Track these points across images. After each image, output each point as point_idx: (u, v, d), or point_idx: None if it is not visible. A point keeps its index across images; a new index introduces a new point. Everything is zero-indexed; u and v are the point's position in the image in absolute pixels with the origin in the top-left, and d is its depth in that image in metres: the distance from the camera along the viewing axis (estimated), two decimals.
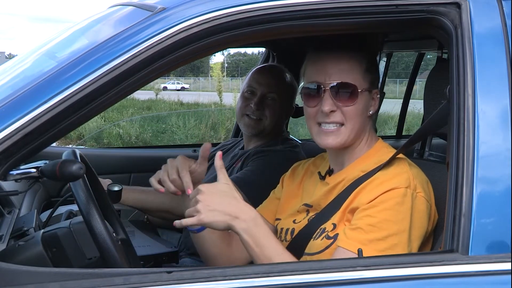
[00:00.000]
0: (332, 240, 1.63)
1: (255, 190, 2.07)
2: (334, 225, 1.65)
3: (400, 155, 1.71)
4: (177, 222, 1.57)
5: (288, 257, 1.56)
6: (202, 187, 1.58)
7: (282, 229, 1.83)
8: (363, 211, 1.59)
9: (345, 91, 1.69)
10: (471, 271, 1.37)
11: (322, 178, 1.82)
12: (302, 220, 1.78)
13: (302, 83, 1.80)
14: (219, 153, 1.66)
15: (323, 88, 1.69)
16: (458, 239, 1.38)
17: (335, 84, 1.69)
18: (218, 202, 1.56)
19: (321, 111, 1.69)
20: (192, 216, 1.55)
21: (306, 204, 1.80)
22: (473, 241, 1.37)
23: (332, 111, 1.69)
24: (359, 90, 1.69)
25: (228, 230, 1.59)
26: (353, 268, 1.36)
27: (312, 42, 1.81)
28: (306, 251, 1.70)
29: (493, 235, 1.39)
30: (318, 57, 1.74)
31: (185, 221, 1.56)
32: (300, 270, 1.36)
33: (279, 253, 1.56)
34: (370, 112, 1.76)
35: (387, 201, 1.58)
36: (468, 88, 1.44)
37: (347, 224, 1.62)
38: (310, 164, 1.95)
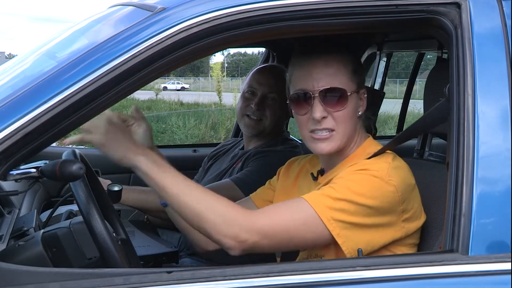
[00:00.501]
0: None
1: (255, 191, 2.07)
2: None
3: (389, 152, 1.71)
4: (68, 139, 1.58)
5: (187, 183, 1.55)
6: (117, 124, 1.58)
7: None
8: (332, 180, 1.64)
9: (334, 96, 1.68)
10: (471, 271, 1.37)
11: (315, 178, 1.83)
12: None
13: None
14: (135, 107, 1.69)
15: (312, 96, 1.68)
16: (458, 239, 1.38)
17: (323, 90, 1.67)
18: (123, 137, 1.56)
19: (312, 118, 1.68)
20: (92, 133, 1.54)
21: None
22: (473, 241, 1.37)
23: (323, 118, 1.68)
24: (348, 94, 1.68)
25: (124, 163, 1.56)
26: (353, 268, 1.36)
27: (299, 46, 1.79)
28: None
29: (493, 235, 1.39)
30: (304, 62, 1.72)
31: (82, 137, 1.56)
32: (300, 270, 1.36)
33: (182, 182, 1.54)
34: (359, 113, 1.75)
35: (354, 175, 1.61)
36: (468, 88, 1.44)
37: None
38: (306, 162, 1.95)
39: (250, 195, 2.02)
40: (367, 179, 1.59)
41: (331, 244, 1.58)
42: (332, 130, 1.69)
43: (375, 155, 1.69)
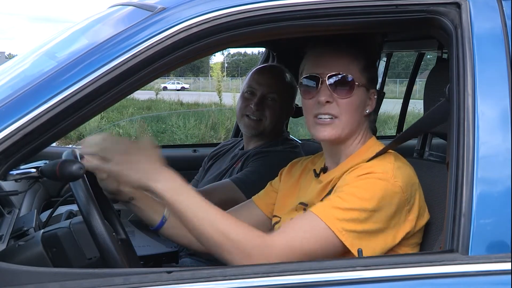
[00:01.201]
0: None
1: (255, 191, 2.07)
2: None
3: (391, 151, 1.72)
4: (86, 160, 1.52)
5: (214, 211, 1.52)
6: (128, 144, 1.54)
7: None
8: (338, 188, 1.64)
9: (342, 83, 1.70)
10: (471, 271, 1.37)
11: (317, 175, 1.83)
12: None
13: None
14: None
15: (320, 79, 1.71)
16: (458, 239, 1.38)
17: (332, 75, 1.70)
18: (137, 160, 1.51)
19: (317, 102, 1.70)
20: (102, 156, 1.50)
21: (302, 203, 1.80)
22: (473, 241, 1.37)
23: (328, 102, 1.69)
24: (356, 83, 1.71)
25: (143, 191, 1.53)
26: (353, 268, 1.36)
27: (313, 40, 1.81)
28: None
29: (493, 235, 1.39)
30: (318, 53, 1.76)
31: (92, 162, 1.52)
32: (300, 270, 1.35)
33: (199, 208, 1.51)
34: (367, 111, 1.76)
35: (359, 181, 1.61)
36: (468, 88, 1.44)
37: None
38: (308, 162, 1.96)
39: (253, 197, 2.01)
40: (373, 183, 1.59)
41: (348, 253, 1.56)
42: (336, 117, 1.70)
43: (376, 155, 1.69)
